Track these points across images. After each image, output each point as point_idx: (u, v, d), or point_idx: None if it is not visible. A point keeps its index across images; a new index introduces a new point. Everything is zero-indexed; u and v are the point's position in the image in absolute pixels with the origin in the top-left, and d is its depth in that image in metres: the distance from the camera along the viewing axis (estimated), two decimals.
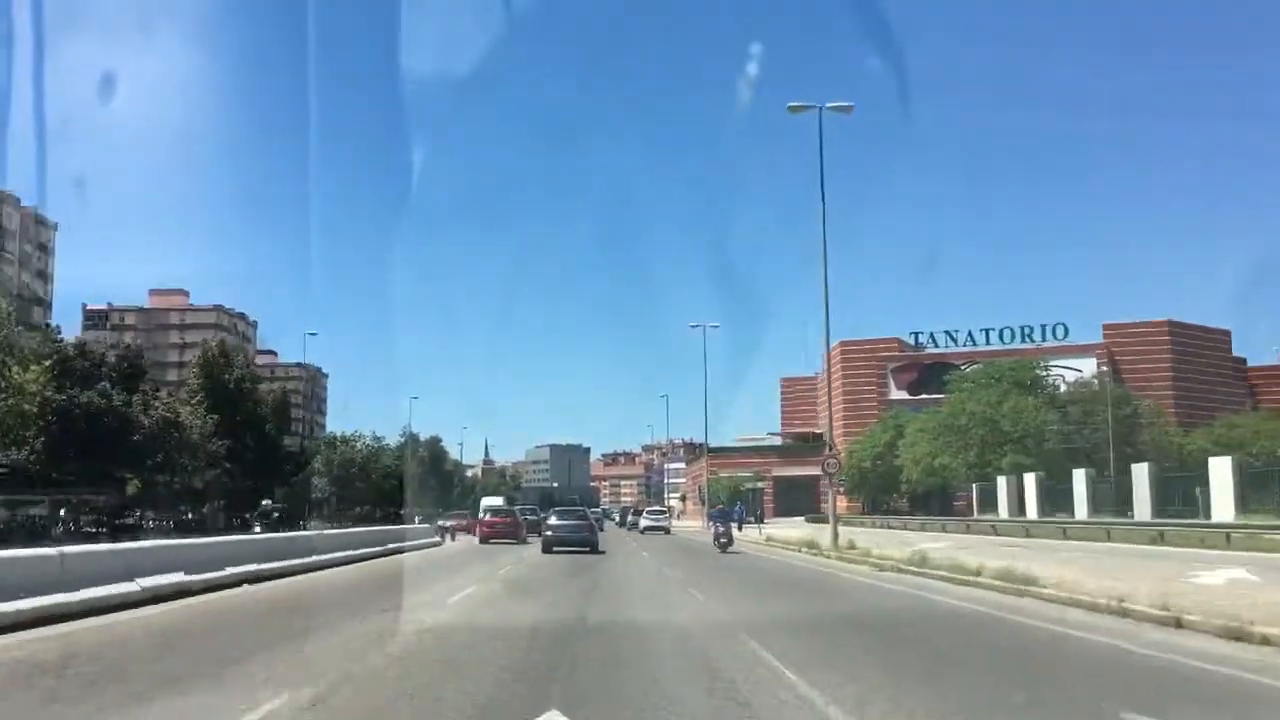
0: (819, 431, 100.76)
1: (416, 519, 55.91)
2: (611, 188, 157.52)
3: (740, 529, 47.73)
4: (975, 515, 54.80)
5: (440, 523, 55.26)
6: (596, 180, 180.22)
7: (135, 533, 37.00)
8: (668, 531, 55.71)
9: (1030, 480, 49.81)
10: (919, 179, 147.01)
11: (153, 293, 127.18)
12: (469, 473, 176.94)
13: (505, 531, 37.66)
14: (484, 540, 37.36)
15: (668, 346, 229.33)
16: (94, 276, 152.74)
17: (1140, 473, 39.60)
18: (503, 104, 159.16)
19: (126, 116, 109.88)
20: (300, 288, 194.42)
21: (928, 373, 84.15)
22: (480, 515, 55.71)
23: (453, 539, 43.09)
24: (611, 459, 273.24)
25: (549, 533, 31.09)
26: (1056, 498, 47.79)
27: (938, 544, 27.92)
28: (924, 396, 79.31)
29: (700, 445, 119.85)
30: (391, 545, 27.78)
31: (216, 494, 52.99)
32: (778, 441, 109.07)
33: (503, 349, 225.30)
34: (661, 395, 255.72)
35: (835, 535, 26.44)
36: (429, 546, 31.83)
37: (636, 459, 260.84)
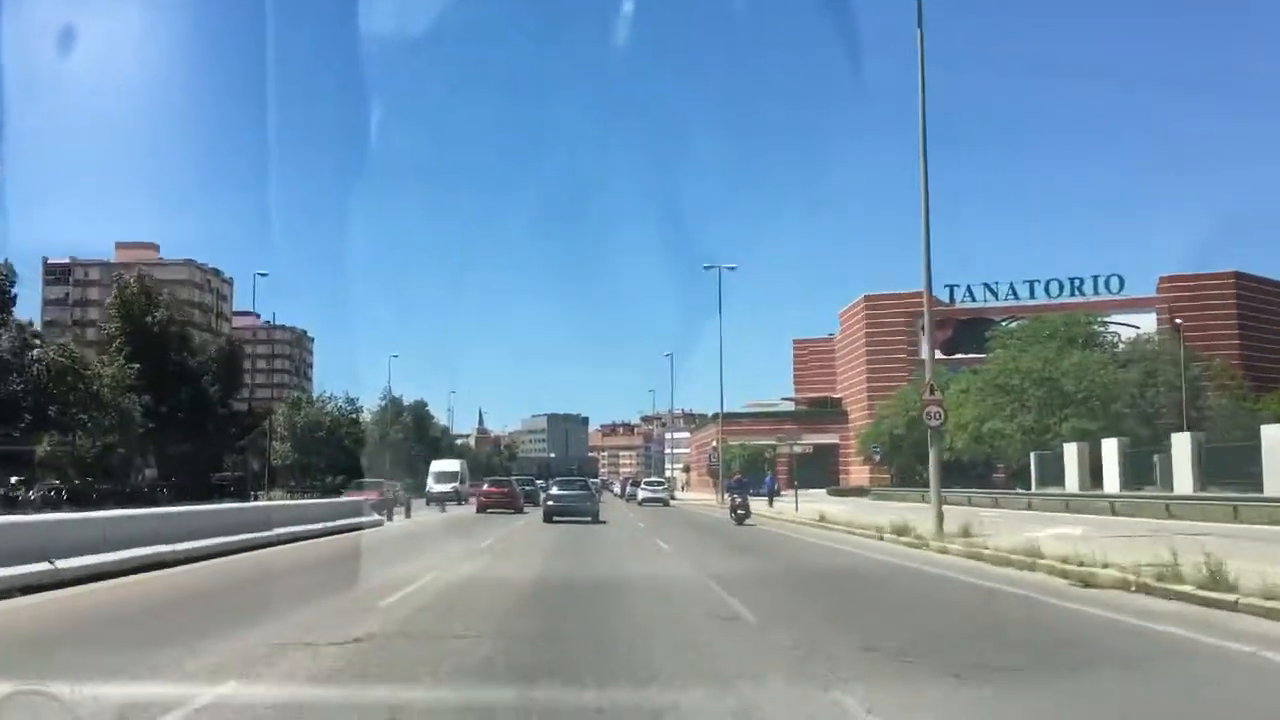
0: (837, 396, 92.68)
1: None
2: (568, 148, 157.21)
3: (771, 504, 41.72)
4: (1035, 489, 46.63)
5: (432, 487, 51.44)
6: (554, 140, 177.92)
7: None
8: (666, 503, 53.46)
9: (1111, 447, 41.57)
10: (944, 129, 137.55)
11: (119, 246, 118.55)
12: (460, 441, 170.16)
13: (503, 501, 37.85)
14: (481, 510, 37.44)
15: (658, 317, 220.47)
16: (53, 234, 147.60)
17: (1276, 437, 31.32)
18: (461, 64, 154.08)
19: (84, 75, 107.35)
20: (261, 252, 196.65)
21: (964, 329, 75.75)
22: (429, 481, 53.10)
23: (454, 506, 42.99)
24: (610, 429, 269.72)
25: (550, 502, 31.04)
26: (1142, 468, 39.69)
27: (1071, 530, 19.78)
28: (959, 356, 71.00)
29: (707, 415, 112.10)
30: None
31: (141, 458, 44.90)
32: (790, 407, 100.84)
33: (483, 316, 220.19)
34: (666, 354, 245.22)
35: (940, 517, 17.98)
36: (355, 529, 23.28)
37: (635, 430, 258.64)
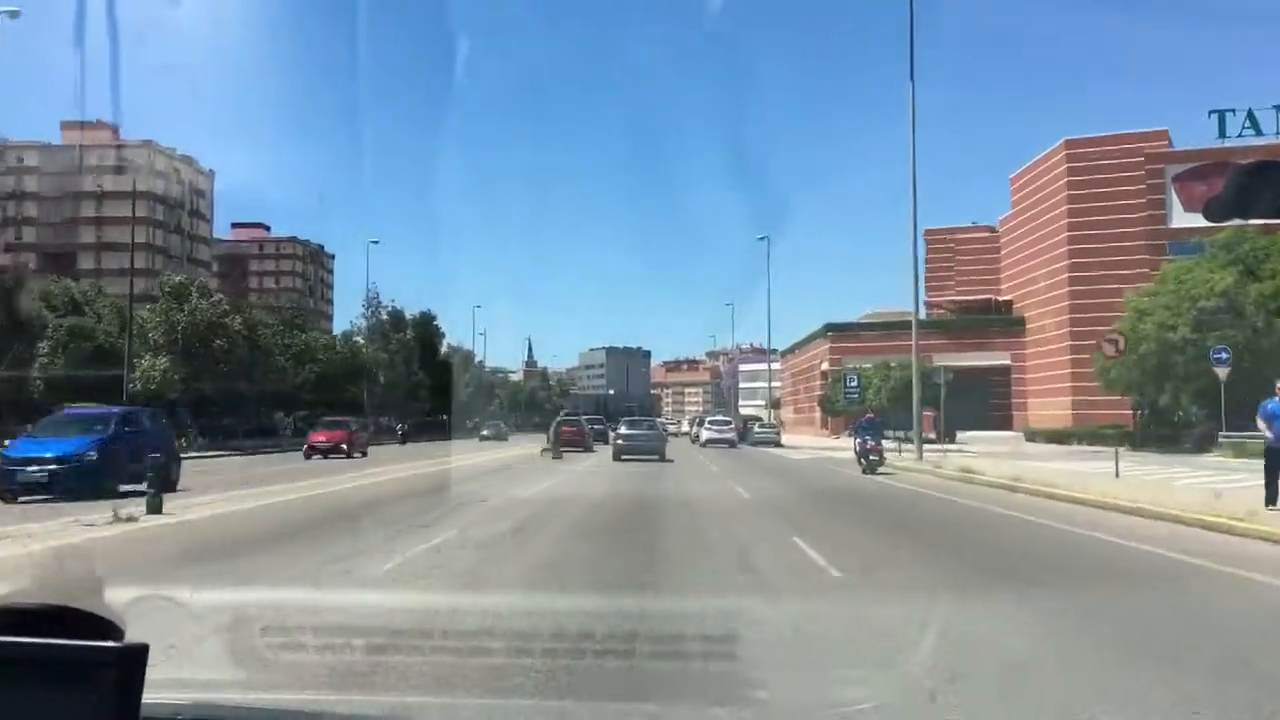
0: (1006, 298, 65.20)
1: None
2: (645, 84, 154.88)
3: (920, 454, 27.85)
4: None
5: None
6: (630, 77, 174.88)
7: None
8: (733, 444, 45.47)
9: None
10: None
11: (65, 126, 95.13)
12: (512, 376, 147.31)
13: (573, 440, 37.23)
14: None
15: (728, 251, 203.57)
16: None
17: None
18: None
19: (190, 22, 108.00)
20: (353, 190, 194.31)
21: (1249, 178, 48.09)
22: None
23: None
24: (674, 365, 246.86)
25: (620, 441, 31.82)
26: None
27: None
28: (1241, 223, 43.45)
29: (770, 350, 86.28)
30: None
31: None
32: (923, 315, 73.49)
33: (551, 252, 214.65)
34: (724, 298, 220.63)
35: None
36: None
37: (701, 366, 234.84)
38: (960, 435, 46.92)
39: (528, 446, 40.95)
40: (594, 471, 25.42)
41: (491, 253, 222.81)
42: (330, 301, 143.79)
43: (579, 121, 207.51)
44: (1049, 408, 54.59)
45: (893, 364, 49.43)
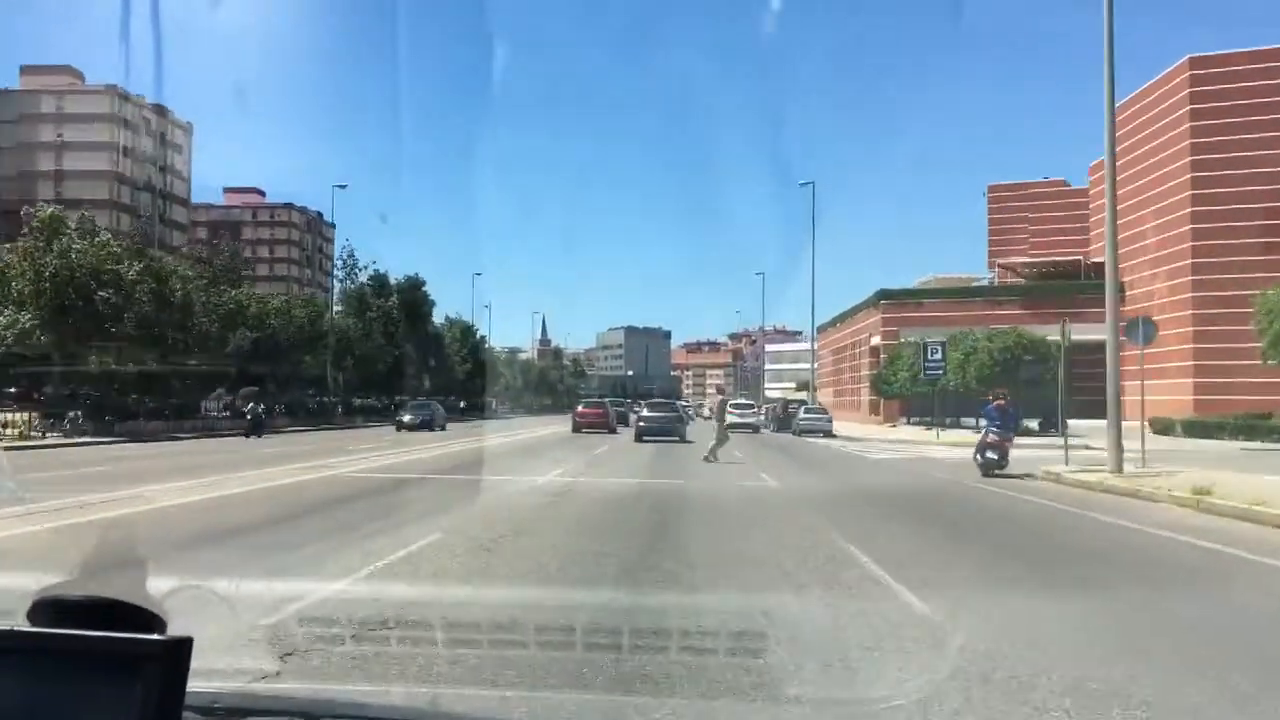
0: (1098, 260, 54.49)
1: None
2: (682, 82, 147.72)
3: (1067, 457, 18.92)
4: None
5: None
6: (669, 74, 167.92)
7: None
8: (756, 430, 42.43)
9: None
10: None
11: (25, 70, 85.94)
12: (522, 355, 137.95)
13: (597, 421, 38.50)
14: (576, 430, 37.75)
15: (755, 229, 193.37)
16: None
17: None
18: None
19: (230, 23, 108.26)
20: (389, 183, 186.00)
21: None
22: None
23: None
24: (694, 347, 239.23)
25: (641, 423, 32.10)
26: None
27: None
28: None
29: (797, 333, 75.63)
30: None
31: None
32: (985, 280, 63.04)
33: (572, 232, 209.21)
34: (757, 273, 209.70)
35: None
36: None
37: (723, 348, 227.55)
38: (1073, 425, 36.89)
39: (502, 437, 31.84)
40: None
41: (509, 230, 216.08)
42: (329, 274, 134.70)
43: (605, 96, 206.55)
44: (1161, 392, 44.30)
45: (977, 334, 39.25)
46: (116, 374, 32.10)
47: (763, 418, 52.78)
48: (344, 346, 52.45)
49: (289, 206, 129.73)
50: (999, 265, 61.62)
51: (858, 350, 62.80)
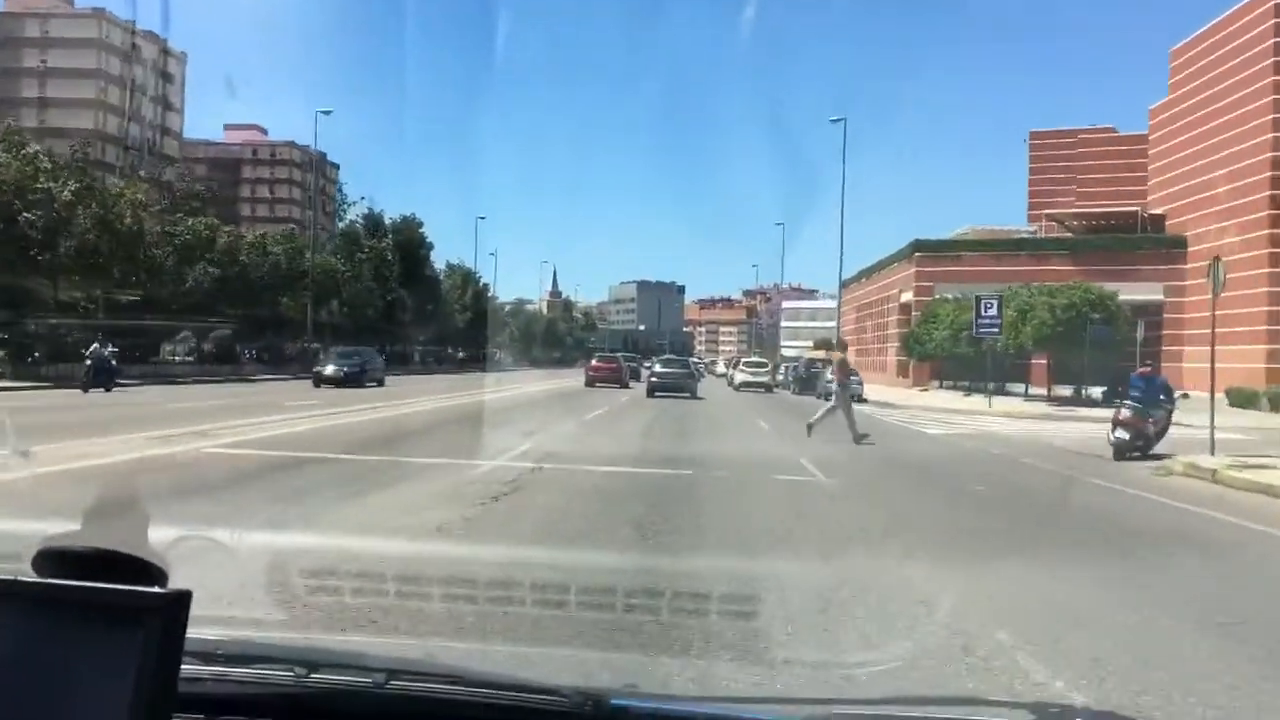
0: (1159, 212, 49.54)
1: None
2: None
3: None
4: None
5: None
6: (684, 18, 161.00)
7: None
8: (769, 389, 42.19)
9: None
10: None
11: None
12: (529, 306, 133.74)
13: (610, 376, 38.98)
14: (589, 384, 38.39)
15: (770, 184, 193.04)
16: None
17: None
18: None
19: None
20: (395, 145, 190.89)
21: None
22: None
23: None
24: (708, 304, 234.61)
25: (654, 379, 32.33)
26: None
27: None
28: None
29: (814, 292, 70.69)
30: None
31: None
32: (1028, 232, 58.00)
33: (582, 196, 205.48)
34: (777, 223, 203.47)
35: None
36: None
37: (737, 305, 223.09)
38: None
39: (468, 397, 26.61)
40: None
41: (522, 185, 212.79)
42: (332, 215, 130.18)
43: (618, 44, 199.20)
44: (1229, 359, 39.76)
45: (1032, 289, 34.65)
46: (47, 307, 28.04)
47: (782, 377, 48.76)
48: (329, 288, 48.32)
49: (290, 144, 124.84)
50: (1047, 217, 56.57)
51: (886, 307, 58.24)
